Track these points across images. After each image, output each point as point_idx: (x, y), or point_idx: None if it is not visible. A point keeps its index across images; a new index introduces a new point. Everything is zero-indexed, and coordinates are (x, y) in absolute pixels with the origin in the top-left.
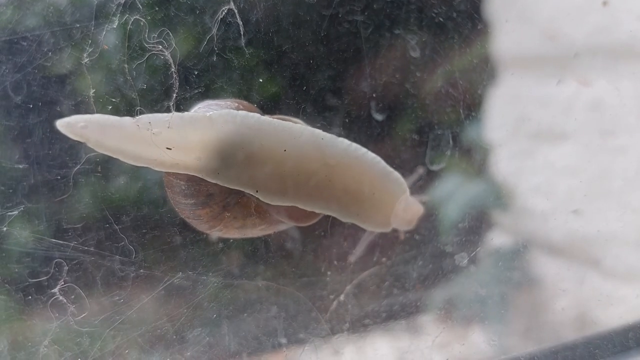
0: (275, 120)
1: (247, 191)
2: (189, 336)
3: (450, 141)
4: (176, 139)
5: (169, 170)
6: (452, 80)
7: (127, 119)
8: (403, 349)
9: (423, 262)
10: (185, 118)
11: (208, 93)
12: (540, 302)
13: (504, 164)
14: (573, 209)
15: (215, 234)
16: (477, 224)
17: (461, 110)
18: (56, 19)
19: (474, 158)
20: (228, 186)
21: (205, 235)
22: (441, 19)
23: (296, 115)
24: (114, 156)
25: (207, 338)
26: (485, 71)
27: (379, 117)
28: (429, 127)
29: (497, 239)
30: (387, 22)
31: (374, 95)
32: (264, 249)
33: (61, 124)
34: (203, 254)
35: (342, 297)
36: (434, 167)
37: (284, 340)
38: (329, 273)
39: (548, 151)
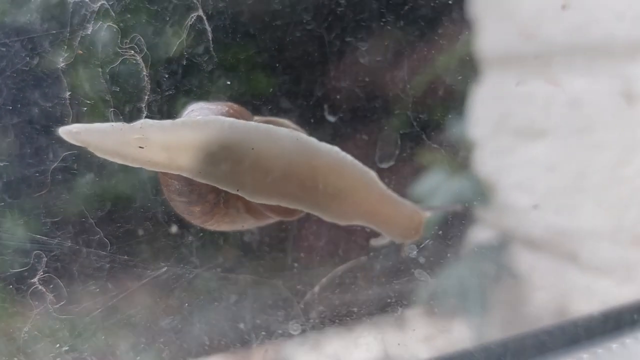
0: (261, 125)
1: (229, 190)
2: (161, 323)
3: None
4: (167, 142)
5: (163, 171)
6: (432, 79)
7: (123, 124)
8: (386, 342)
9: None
10: (176, 123)
11: (178, 95)
12: (520, 295)
13: (486, 160)
14: (552, 205)
15: (208, 227)
16: (458, 220)
17: (441, 109)
18: (33, 27)
19: (457, 155)
20: (215, 185)
21: (174, 228)
22: (421, 17)
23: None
24: (113, 160)
25: (179, 325)
26: (466, 69)
27: (332, 118)
28: (387, 126)
29: (479, 234)
30: (355, 22)
31: (337, 97)
32: (240, 241)
33: (63, 131)
34: (175, 246)
35: (316, 289)
36: (384, 165)
37: (264, 333)
38: (295, 265)
39: (528, 148)
